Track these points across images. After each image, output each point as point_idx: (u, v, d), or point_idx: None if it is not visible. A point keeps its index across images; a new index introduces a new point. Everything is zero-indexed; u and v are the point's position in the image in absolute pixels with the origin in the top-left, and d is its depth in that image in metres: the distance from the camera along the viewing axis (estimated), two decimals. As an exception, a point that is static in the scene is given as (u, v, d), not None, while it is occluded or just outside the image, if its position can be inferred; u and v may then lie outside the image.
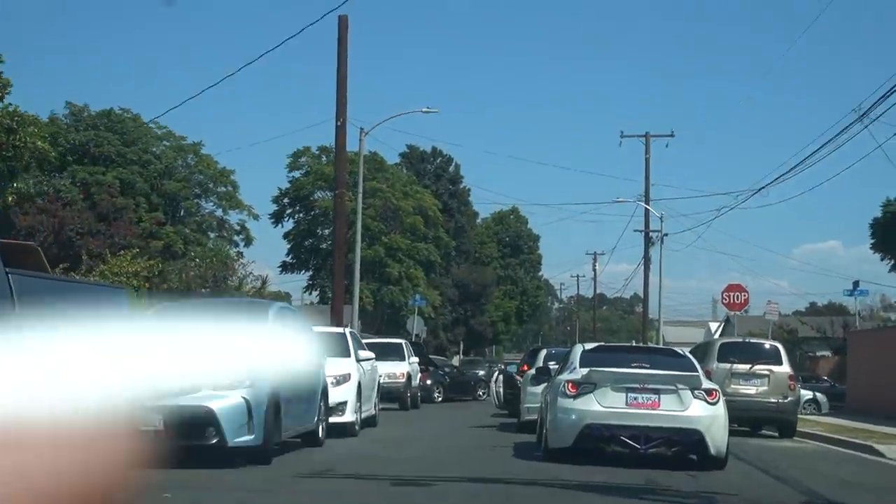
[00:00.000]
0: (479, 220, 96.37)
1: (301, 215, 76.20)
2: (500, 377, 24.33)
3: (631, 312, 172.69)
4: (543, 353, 24.64)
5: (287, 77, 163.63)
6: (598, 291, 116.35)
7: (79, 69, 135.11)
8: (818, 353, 60.03)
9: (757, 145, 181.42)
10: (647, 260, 63.81)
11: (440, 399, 42.65)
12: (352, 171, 75.35)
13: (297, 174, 75.84)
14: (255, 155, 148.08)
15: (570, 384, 14.93)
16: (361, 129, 42.39)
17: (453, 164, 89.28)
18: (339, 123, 38.10)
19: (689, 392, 14.68)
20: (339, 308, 38.17)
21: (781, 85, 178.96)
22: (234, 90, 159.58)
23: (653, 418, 14.56)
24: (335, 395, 18.63)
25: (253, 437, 13.18)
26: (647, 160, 63.56)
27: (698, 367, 15.80)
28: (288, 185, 75.98)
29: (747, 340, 26.22)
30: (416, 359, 35.49)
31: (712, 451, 14.59)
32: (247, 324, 14.67)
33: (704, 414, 14.62)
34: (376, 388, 22.52)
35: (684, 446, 14.86)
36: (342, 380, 19.06)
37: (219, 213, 69.95)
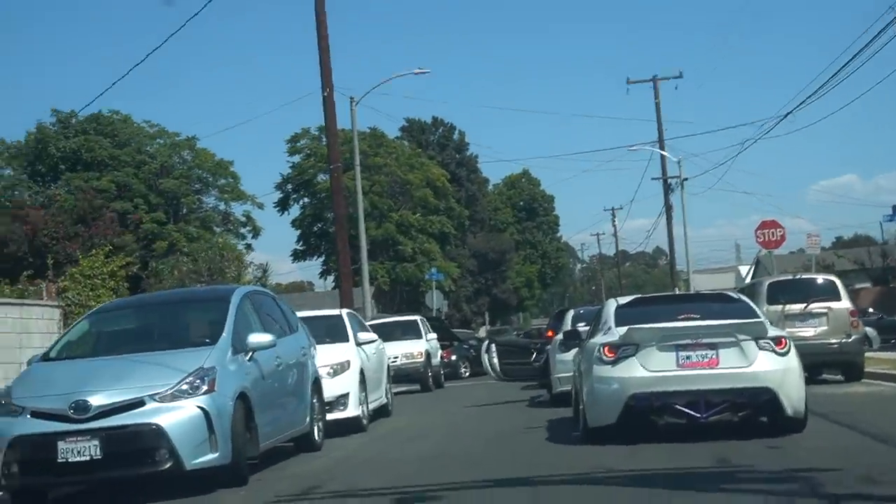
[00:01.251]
0: (490, 187, 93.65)
1: (307, 200, 73.69)
2: (493, 347, 21.54)
3: (655, 266, 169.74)
4: (571, 314, 21.87)
5: (270, 50, 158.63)
6: (619, 248, 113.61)
7: (54, 76, 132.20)
8: (858, 286, 57.20)
9: (770, 77, 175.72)
10: (668, 208, 61.15)
11: (467, 374, 40.12)
12: (351, 146, 73.31)
13: (297, 158, 73.22)
14: (253, 143, 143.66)
15: (606, 348, 12.23)
16: (351, 98, 39.56)
17: (457, 131, 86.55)
18: (325, 94, 35.43)
19: (753, 343, 11.95)
20: (348, 290, 35.60)
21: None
22: (220, 75, 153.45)
23: (712, 379, 11.86)
24: (333, 388, 16.00)
25: (217, 454, 10.52)
26: (657, 104, 60.73)
27: (758, 311, 13.06)
28: (290, 171, 73.33)
29: (799, 277, 23.39)
30: (433, 335, 32.80)
31: (788, 411, 11.89)
32: (203, 315, 12.04)
33: (774, 367, 11.91)
34: (386, 372, 19.87)
35: (754, 409, 12.15)
36: (340, 369, 16.41)
37: (222, 206, 67.92)
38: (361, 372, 16.93)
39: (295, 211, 74.03)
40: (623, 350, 12.07)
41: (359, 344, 17.67)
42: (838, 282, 22.30)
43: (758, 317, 12.66)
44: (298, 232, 74.64)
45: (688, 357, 11.92)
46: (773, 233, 36.59)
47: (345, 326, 17.85)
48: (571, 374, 15.59)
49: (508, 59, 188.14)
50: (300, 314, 17.93)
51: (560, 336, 18.14)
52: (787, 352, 12.10)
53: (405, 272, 69.90)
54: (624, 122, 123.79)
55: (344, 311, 18.62)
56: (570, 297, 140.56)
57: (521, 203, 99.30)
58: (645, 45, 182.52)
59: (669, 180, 60.06)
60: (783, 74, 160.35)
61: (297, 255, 76.23)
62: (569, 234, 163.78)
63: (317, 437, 14.12)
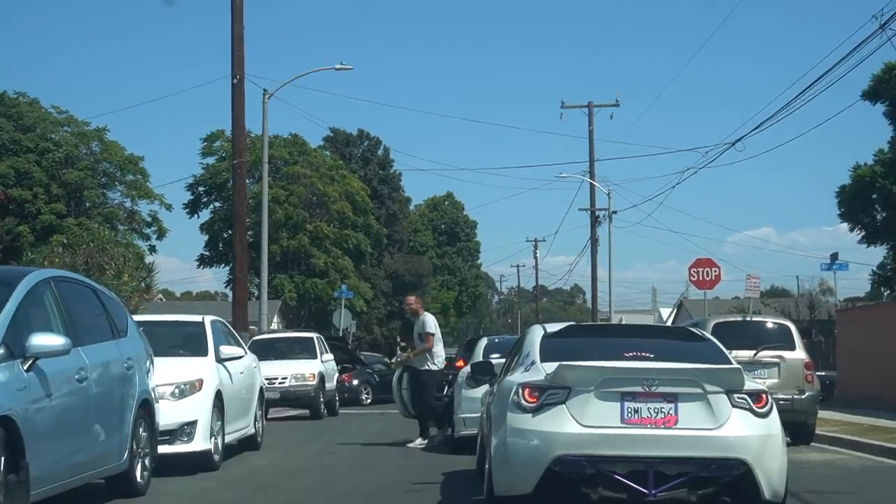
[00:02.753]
0: (412, 207, 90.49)
1: (218, 204, 69.77)
2: (404, 374, 18.23)
3: (572, 304, 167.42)
4: (483, 342, 18.56)
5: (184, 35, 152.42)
6: (539, 282, 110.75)
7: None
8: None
9: (705, 115, 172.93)
10: (594, 241, 58.44)
11: (368, 401, 36.96)
12: (271, 152, 69.63)
13: (212, 160, 69.42)
14: (166, 141, 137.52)
15: (526, 390, 9.02)
16: (265, 90, 36.12)
17: (382, 146, 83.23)
18: (235, 81, 32.11)
19: (725, 397, 8.84)
20: (242, 299, 32.18)
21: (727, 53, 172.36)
22: (138, 64, 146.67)
23: (668, 443, 8.71)
24: (176, 413, 12.60)
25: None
26: (590, 132, 57.83)
27: (729, 355, 9.93)
28: (202, 172, 69.53)
29: (748, 319, 20.36)
30: (330, 356, 29.45)
31: (766, 492, 8.77)
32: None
33: (752, 433, 8.81)
34: (257, 396, 16.45)
35: (720, 486, 8.99)
36: (188, 389, 12.96)
37: (128, 203, 64.44)
38: (218, 395, 13.53)
39: (205, 215, 70.25)
40: (550, 394, 8.88)
41: (220, 360, 14.28)
42: (793, 328, 19.37)
43: (730, 362, 9.56)
44: (207, 237, 70.79)
45: (636, 411, 8.76)
46: (707, 272, 33.82)
47: (205, 337, 14.43)
48: (479, 414, 12.41)
49: (441, 74, 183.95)
50: (154, 318, 14.57)
51: (468, 368, 14.82)
52: (769, 412, 9.01)
53: (315, 288, 66.39)
54: (557, 149, 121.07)
55: (207, 319, 15.13)
56: (485, 329, 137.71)
57: (443, 226, 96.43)
58: (582, 71, 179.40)
59: (598, 212, 57.42)
60: (731, 106, 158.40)
61: (204, 262, 72.32)
62: (489, 263, 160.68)
63: (139, 478, 10.71)
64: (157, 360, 11.90)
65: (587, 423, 8.75)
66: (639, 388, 8.77)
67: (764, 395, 9.05)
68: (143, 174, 64.40)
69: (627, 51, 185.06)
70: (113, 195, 64.37)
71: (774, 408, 9.12)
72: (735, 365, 9.26)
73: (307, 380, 26.55)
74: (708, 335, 10.47)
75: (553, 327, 10.57)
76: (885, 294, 50.76)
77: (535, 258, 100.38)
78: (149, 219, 64.69)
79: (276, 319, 66.45)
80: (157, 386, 11.83)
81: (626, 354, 9.43)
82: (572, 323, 12.33)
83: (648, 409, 8.77)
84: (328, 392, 27.88)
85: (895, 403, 24.98)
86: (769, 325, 19.88)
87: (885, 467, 15.10)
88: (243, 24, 31.86)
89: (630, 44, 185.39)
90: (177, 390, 12.80)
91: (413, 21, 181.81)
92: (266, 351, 27.01)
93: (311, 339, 29.31)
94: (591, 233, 58.22)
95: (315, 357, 27.90)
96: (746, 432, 8.77)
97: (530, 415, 8.89)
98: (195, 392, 13.02)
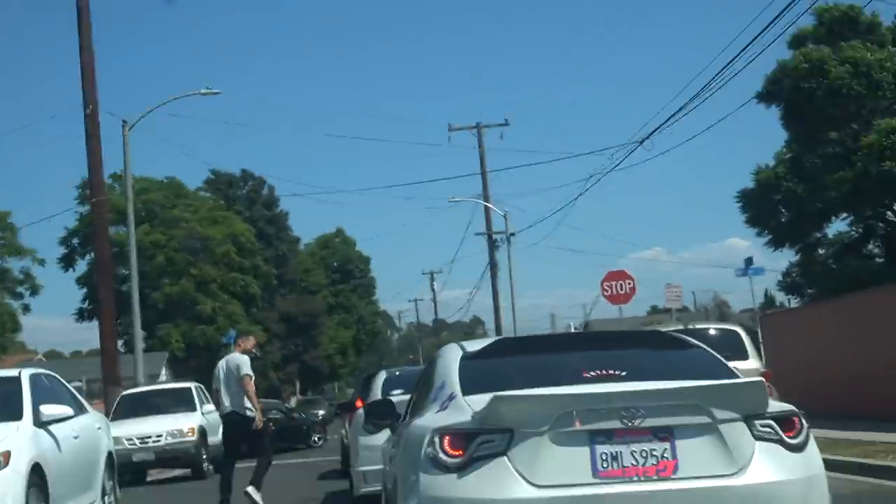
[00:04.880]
0: (302, 246, 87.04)
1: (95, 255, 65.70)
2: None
3: (472, 335, 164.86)
4: (382, 376, 15.34)
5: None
6: (438, 315, 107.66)
7: None
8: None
9: (601, 127, 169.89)
10: (493, 265, 55.79)
11: (262, 453, 33.32)
12: (148, 198, 65.83)
13: (87, 209, 65.45)
14: (40, 196, 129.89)
15: (446, 439, 5.95)
16: (124, 121, 32.72)
17: (266, 186, 79.96)
18: (87, 111, 28.86)
19: (743, 426, 5.90)
20: (111, 351, 28.83)
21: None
22: None
23: (667, 501, 5.72)
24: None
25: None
26: (481, 153, 55.30)
27: (731, 366, 6.97)
28: (76, 223, 65.56)
29: (692, 327, 17.51)
30: (210, 406, 26.05)
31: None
32: None
33: (787, 476, 5.89)
34: (103, 463, 13.11)
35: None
36: (-13, 467, 9.69)
37: (-3, 262, 60.84)
38: (36, 469, 10.23)
39: (81, 267, 66.35)
40: (482, 443, 5.84)
41: (41, 423, 10.97)
42: (743, 334, 16.62)
43: (736, 375, 6.61)
44: (85, 290, 66.81)
45: (615, 457, 5.79)
46: (621, 285, 31.14)
47: (19, 395, 11.10)
48: (381, 467, 9.36)
49: (323, 94, 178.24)
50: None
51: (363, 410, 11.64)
52: (804, 442, 6.10)
53: (203, 336, 62.65)
54: (449, 172, 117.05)
55: (26, 372, 11.78)
56: (386, 367, 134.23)
57: (336, 264, 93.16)
58: (470, 92, 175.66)
59: (495, 235, 54.86)
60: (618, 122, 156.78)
61: (83, 315, 68.23)
62: (386, 299, 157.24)
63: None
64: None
65: (542, 482, 5.74)
66: (616, 423, 5.79)
67: (796, 419, 6.12)
68: (11, 230, 61.00)
69: (515, 69, 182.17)
70: (-22, 255, 61.00)
71: (811, 436, 6.20)
72: (752, 378, 6.30)
73: (185, 435, 23.31)
74: (695, 341, 7.46)
75: (475, 345, 7.44)
76: (791, 300, 49.10)
77: (433, 290, 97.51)
78: (20, 276, 61.33)
79: (163, 372, 62.61)
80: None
81: (587, 374, 6.41)
82: (501, 337, 9.27)
83: (633, 452, 5.80)
84: (213, 447, 24.48)
85: (832, 410, 22.38)
86: (713, 332, 17.14)
87: (855, 484, 12.42)
88: (92, 50, 28.69)
89: (518, 61, 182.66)
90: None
91: (294, 40, 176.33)
92: (137, 407, 24.08)
93: (189, 389, 25.93)
94: (489, 257, 55.66)
95: (194, 409, 24.59)
96: (779, 476, 5.85)
97: (455, 475, 5.84)
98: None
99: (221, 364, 15.28)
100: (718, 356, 6.95)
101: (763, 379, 6.20)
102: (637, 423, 5.77)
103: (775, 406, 6.12)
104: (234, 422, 14.96)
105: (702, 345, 7.23)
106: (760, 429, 5.93)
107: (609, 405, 5.82)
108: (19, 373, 11.80)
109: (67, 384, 13.41)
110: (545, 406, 5.80)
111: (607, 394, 5.92)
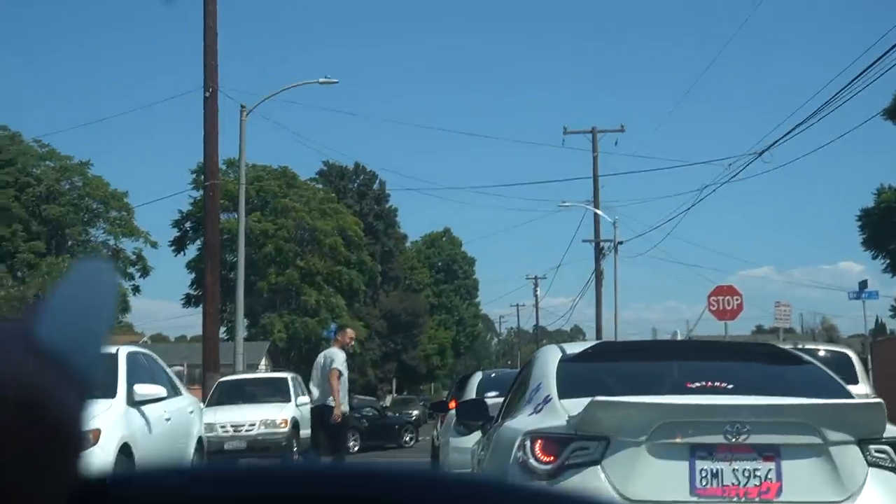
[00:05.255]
0: (408, 243, 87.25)
1: (204, 239, 66.51)
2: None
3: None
4: (478, 377, 15.14)
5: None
6: (539, 323, 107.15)
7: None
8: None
9: (715, 136, 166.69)
10: (598, 274, 55.13)
11: (357, 449, 33.47)
12: (261, 187, 66.53)
13: (201, 193, 66.29)
14: (153, 176, 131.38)
15: (538, 443, 5.69)
16: (242, 105, 32.95)
17: (378, 181, 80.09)
18: (207, 94, 29.06)
19: (857, 450, 5.53)
20: (214, 338, 28.93)
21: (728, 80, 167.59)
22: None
23: None
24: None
25: None
26: (594, 158, 54.71)
27: (845, 386, 6.59)
28: (190, 207, 66.41)
29: (801, 346, 16.96)
30: (306, 398, 26.06)
31: None
32: None
33: (899, 508, 5.48)
34: (193, 448, 13.11)
35: None
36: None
37: (112, 241, 61.98)
38: (125, 448, 10.23)
39: (192, 252, 67.14)
40: (576, 449, 5.57)
41: (135, 402, 10.96)
42: (854, 357, 16.02)
43: (850, 394, 6.24)
44: (193, 275, 67.58)
45: (716, 474, 5.47)
46: (728, 300, 30.51)
47: (115, 373, 11.10)
48: (470, 471, 9.09)
49: (436, 91, 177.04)
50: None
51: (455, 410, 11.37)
52: (922, 474, 5.69)
53: (305, 327, 62.97)
54: (560, 176, 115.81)
55: (123, 350, 11.81)
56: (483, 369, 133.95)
57: (440, 263, 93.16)
58: (586, 99, 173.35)
59: (602, 244, 54.24)
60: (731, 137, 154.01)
61: (190, 300, 69.03)
62: (487, 301, 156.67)
63: None
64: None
65: (637, 496, 5.44)
66: (719, 438, 5.47)
67: (914, 446, 5.74)
68: (128, 210, 62.10)
69: (632, 78, 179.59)
70: (96, 232, 62.10)
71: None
72: (871, 399, 5.93)
73: (278, 426, 23.30)
74: (808, 357, 7.08)
75: (575, 347, 7.14)
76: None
77: (536, 297, 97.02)
78: (133, 256, 62.41)
79: (264, 361, 63.20)
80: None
81: (691, 385, 6.10)
82: (603, 340, 8.95)
83: (735, 471, 5.47)
84: (304, 440, 24.49)
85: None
86: (822, 353, 16.51)
87: None
88: (216, 31, 28.95)
89: (634, 70, 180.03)
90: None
91: (411, 37, 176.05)
92: (233, 394, 24.15)
93: (285, 379, 25.93)
94: (595, 265, 54.99)
95: (288, 400, 24.57)
96: (892, 507, 5.47)
97: (544, 482, 5.57)
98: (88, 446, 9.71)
99: (319, 357, 15.71)
100: (833, 374, 6.57)
101: (882, 401, 5.82)
102: (741, 439, 5.44)
103: (893, 431, 5.74)
104: (319, 414, 15.27)
105: (815, 361, 6.85)
106: (875, 454, 5.56)
107: (713, 418, 5.51)
108: (117, 350, 11.82)
109: (166, 366, 13.42)
110: (645, 415, 5.50)
111: (711, 406, 5.60)
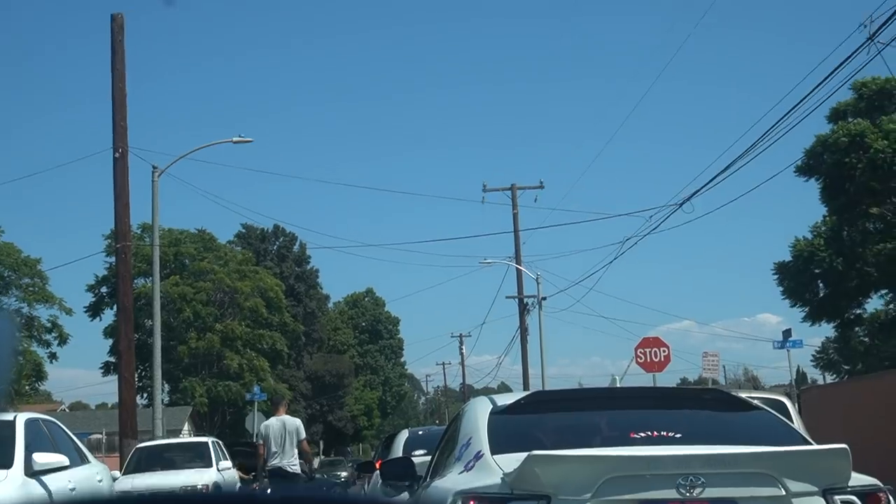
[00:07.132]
0: (331, 304, 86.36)
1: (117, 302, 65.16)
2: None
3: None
4: (404, 435, 14.61)
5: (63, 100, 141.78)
6: (466, 380, 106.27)
7: None
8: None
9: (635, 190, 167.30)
10: (523, 331, 54.72)
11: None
12: (178, 250, 65.49)
13: (114, 259, 65.04)
14: (68, 240, 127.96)
15: (471, 503, 5.09)
16: (154, 166, 32.17)
17: (297, 242, 79.39)
18: (117, 155, 28.32)
19: (821, 501, 5.02)
20: (130, 402, 27.99)
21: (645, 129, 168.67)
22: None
23: None
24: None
25: None
26: (514, 215, 54.45)
27: (801, 432, 6.09)
28: (105, 272, 65.23)
29: (734, 394, 16.58)
30: (228, 463, 25.10)
31: None
32: None
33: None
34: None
35: None
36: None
37: (25, 309, 60.35)
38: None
39: (108, 317, 65.85)
40: (512, 510, 4.99)
41: (34, 473, 10.14)
42: (790, 404, 15.60)
43: (809, 441, 5.74)
44: (110, 342, 66.23)
45: (671, 532, 4.89)
46: (655, 352, 30.24)
47: (12, 442, 10.27)
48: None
49: (351, 150, 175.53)
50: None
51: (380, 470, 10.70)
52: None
53: (228, 391, 61.79)
54: (481, 235, 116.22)
55: (21, 417, 10.93)
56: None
57: (364, 324, 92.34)
58: (504, 156, 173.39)
59: (526, 299, 53.86)
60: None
61: (109, 368, 67.60)
62: (412, 360, 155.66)
63: None
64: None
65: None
66: (671, 493, 4.96)
67: (882, 495, 5.27)
68: (41, 277, 60.53)
69: (550, 132, 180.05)
70: (8, 300, 60.44)
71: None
72: (836, 445, 5.42)
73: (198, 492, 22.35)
74: (756, 402, 6.57)
75: (506, 398, 6.58)
76: (827, 376, 47.95)
77: (462, 354, 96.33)
78: (48, 324, 60.84)
79: (186, 426, 61.82)
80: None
81: (636, 436, 5.56)
82: (537, 390, 8.40)
83: (692, 528, 4.92)
84: (227, 506, 23.60)
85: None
86: (757, 402, 16.12)
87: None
88: (125, 92, 28.26)
89: (553, 125, 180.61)
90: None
91: (328, 96, 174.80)
92: (152, 460, 23.29)
93: (205, 444, 25.02)
94: (520, 322, 54.58)
95: (210, 465, 23.63)
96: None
97: (478, 548, 4.98)
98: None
99: (273, 422, 16.58)
100: (786, 420, 6.08)
101: (847, 446, 5.32)
102: (696, 493, 4.94)
103: (858, 479, 5.23)
104: (279, 477, 16.20)
105: (765, 407, 6.36)
106: (838, 506, 5.05)
107: (664, 471, 4.98)
108: (14, 417, 11.00)
109: (70, 433, 12.60)
110: (589, 469, 4.96)
111: (662, 458, 5.08)
